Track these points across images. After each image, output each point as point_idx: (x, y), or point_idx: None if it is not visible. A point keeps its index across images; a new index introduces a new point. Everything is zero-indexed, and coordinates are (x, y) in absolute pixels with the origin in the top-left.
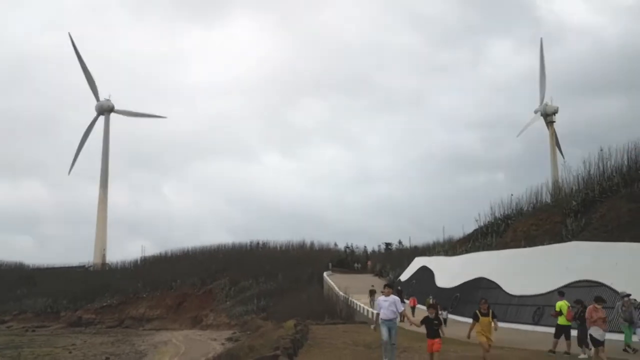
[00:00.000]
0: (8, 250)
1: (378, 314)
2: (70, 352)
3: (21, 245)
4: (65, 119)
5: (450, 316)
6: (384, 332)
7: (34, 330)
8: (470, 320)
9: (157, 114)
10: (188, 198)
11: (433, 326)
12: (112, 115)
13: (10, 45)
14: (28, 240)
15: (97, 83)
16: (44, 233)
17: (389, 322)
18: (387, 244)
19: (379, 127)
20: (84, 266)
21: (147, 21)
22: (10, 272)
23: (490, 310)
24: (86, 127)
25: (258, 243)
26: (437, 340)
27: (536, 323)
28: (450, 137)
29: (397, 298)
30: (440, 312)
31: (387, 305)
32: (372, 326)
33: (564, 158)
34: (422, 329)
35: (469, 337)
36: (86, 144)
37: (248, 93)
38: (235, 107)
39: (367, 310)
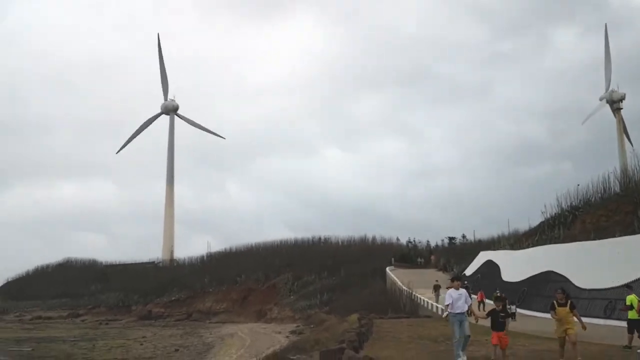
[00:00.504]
0: (82, 248)
1: (447, 305)
2: (141, 344)
3: (94, 243)
4: (134, 120)
5: (518, 310)
6: (457, 328)
7: (107, 324)
8: (538, 314)
9: (218, 132)
10: (251, 194)
11: (499, 318)
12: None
13: (80, 48)
14: (100, 238)
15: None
16: (115, 231)
17: (462, 316)
18: (451, 238)
19: (442, 119)
20: (153, 262)
21: (209, 21)
22: (84, 269)
23: (569, 301)
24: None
25: (320, 238)
26: (504, 336)
27: (608, 317)
28: (515, 127)
29: (465, 291)
30: (508, 306)
31: (459, 298)
32: (445, 314)
33: (632, 145)
34: (487, 322)
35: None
36: (153, 142)
37: (307, 89)
38: (295, 103)
39: (432, 305)
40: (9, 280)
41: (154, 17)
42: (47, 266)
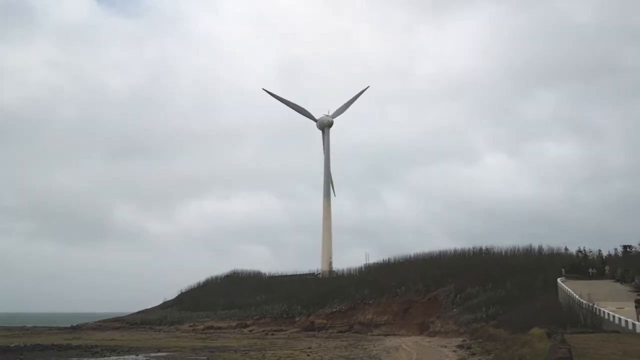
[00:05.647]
0: (248, 260)
1: None
2: (308, 355)
3: (258, 255)
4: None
5: None
6: None
7: (272, 334)
8: None
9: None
10: (409, 204)
11: None
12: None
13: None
14: (264, 250)
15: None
16: (277, 242)
17: None
18: (626, 247)
19: (624, 116)
20: (313, 274)
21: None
22: (250, 280)
23: None
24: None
25: (481, 248)
26: None
27: None
28: None
29: None
30: None
31: None
32: None
33: None
34: None
35: None
36: (311, 155)
37: (474, 91)
38: (460, 107)
39: (620, 319)
40: (182, 291)
41: None
42: (216, 278)
